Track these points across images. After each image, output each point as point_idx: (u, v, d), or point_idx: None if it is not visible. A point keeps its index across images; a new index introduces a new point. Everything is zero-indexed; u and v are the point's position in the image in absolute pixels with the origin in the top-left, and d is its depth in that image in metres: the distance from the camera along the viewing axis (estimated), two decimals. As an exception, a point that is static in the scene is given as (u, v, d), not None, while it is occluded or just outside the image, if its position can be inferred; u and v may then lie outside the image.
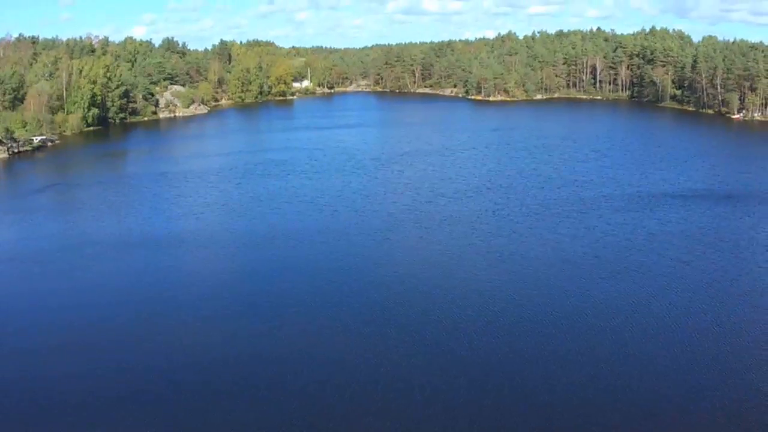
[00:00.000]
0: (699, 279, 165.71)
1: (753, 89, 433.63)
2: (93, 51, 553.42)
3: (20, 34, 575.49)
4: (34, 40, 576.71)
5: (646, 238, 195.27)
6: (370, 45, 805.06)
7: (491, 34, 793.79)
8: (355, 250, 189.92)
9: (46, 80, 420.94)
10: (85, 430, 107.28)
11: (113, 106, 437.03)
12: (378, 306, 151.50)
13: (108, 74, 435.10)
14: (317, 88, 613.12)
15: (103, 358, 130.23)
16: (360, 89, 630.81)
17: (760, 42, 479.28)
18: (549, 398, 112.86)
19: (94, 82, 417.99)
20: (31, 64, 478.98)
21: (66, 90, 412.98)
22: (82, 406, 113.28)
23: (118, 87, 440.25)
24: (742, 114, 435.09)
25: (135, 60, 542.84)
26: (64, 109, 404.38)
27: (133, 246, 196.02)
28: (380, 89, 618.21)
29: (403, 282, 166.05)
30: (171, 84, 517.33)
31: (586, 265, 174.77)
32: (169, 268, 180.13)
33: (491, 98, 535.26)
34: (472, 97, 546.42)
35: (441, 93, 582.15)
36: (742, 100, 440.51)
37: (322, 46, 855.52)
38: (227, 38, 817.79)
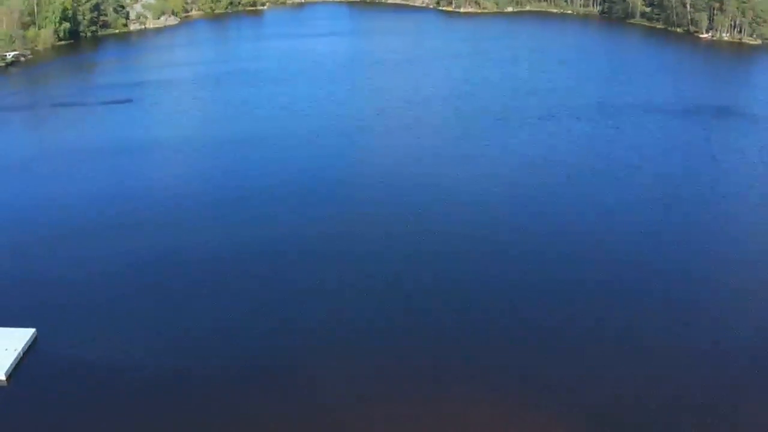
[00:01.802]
0: (646, 181, 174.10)
1: (722, 10, 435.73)
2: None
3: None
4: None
5: (602, 144, 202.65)
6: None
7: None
8: (326, 151, 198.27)
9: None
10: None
11: (84, 19, 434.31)
12: (348, 199, 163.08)
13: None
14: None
15: (99, 245, 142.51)
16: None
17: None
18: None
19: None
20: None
21: (37, 5, 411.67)
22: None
23: (88, 0, 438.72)
24: (710, 34, 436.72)
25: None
26: (35, 24, 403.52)
27: (112, 153, 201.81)
28: None
29: (367, 176, 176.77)
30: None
31: (543, 166, 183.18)
32: (150, 170, 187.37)
33: (462, 10, 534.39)
34: (443, 8, 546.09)
35: (412, 4, 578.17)
36: (711, 20, 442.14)
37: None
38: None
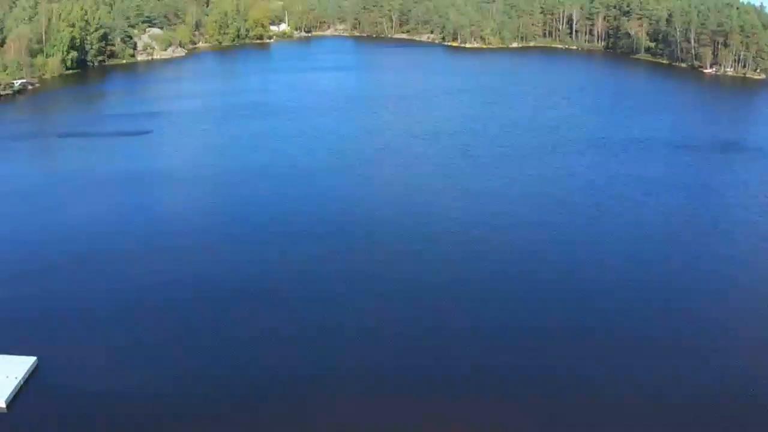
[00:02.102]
0: (651, 216, 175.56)
1: (726, 45, 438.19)
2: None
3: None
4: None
5: (606, 179, 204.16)
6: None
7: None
8: (326, 187, 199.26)
9: (26, 24, 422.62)
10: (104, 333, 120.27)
11: (92, 48, 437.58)
12: (352, 235, 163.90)
13: (86, 17, 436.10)
14: (295, 32, 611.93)
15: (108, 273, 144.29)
16: (337, 34, 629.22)
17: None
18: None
19: (73, 25, 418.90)
20: (10, 8, 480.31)
21: (45, 33, 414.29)
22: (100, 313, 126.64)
23: (96, 30, 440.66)
24: (714, 69, 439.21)
25: (113, 3, 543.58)
26: (43, 52, 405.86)
27: (115, 183, 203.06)
28: (357, 34, 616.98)
29: (369, 210, 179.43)
30: (149, 27, 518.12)
31: (548, 201, 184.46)
32: (154, 201, 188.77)
33: (467, 45, 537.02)
34: (449, 43, 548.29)
35: (418, 39, 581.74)
36: (715, 55, 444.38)
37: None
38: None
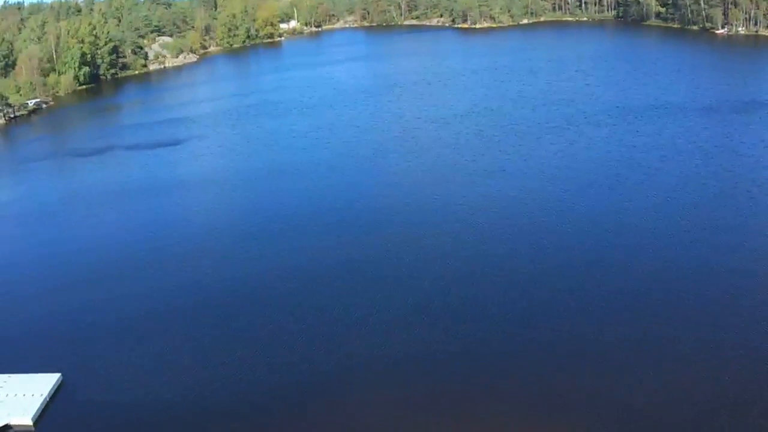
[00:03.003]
0: (667, 182, 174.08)
1: (736, 4, 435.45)
2: (79, 11, 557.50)
3: (5, 1, 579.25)
4: (19, 6, 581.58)
5: (622, 149, 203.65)
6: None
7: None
8: (347, 178, 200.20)
9: (36, 44, 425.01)
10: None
11: (103, 62, 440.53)
12: (376, 218, 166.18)
13: (95, 32, 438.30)
14: (305, 28, 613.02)
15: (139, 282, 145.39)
16: (347, 26, 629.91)
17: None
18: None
19: (83, 42, 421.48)
20: (20, 30, 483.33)
21: (55, 51, 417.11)
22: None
23: (106, 44, 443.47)
24: (726, 29, 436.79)
25: (121, 15, 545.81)
26: (55, 70, 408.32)
27: (135, 194, 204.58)
28: (367, 24, 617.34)
29: (393, 199, 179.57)
30: (159, 36, 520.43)
31: (564, 177, 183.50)
32: (180, 207, 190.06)
33: (477, 25, 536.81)
34: (459, 25, 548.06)
35: (428, 24, 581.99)
36: (726, 15, 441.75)
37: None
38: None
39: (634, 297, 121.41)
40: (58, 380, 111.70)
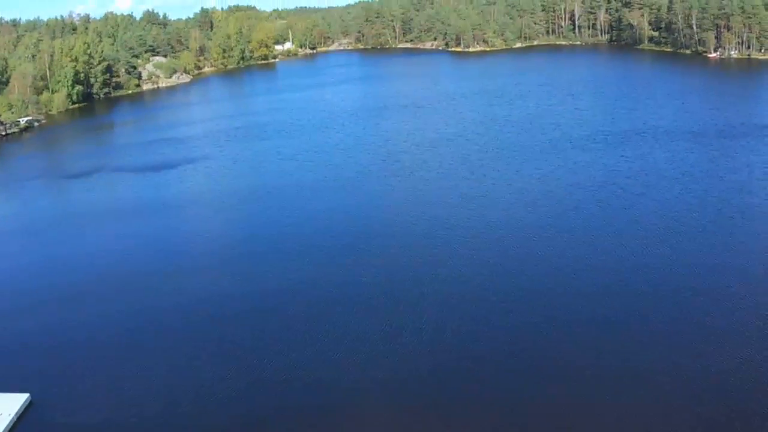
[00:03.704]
0: (649, 208, 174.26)
1: (728, 28, 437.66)
2: (74, 29, 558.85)
3: (0, 18, 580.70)
4: (15, 23, 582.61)
5: (606, 174, 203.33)
6: (353, 3, 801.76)
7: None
8: (331, 202, 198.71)
9: (29, 62, 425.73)
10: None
11: (96, 82, 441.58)
12: (352, 242, 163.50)
13: (89, 51, 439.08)
14: (299, 50, 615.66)
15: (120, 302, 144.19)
16: (342, 48, 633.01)
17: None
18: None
19: (76, 60, 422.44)
20: (15, 47, 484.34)
21: (49, 70, 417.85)
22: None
23: (100, 63, 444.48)
24: (718, 52, 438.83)
25: (116, 34, 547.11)
26: (48, 88, 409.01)
27: (123, 213, 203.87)
28: (362, 47, 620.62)
29: (370, 221, 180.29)
30: (153, 56, 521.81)
31: (546, 202, 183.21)
32: (161, 229, 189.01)
33: (470, 49, 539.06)
34: (452, 49, 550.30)
35: (422, 47, 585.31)
36: (718, 38, 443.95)
37: (305, 7, 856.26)
38: (209, 5, 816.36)
39: (607, 324, 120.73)
40: (26, 400, 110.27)
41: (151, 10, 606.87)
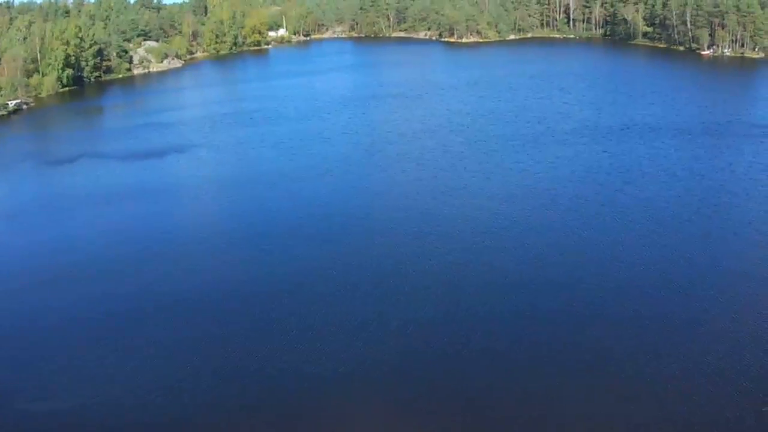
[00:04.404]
0: (626, 204, 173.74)
1: (723, 26, 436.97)
2: (68, 12, 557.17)
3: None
4: (9, 5, 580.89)
5: (587, 169, 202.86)
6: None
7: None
8: (308, 191, 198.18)
9: (20, 44, 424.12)
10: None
11: (87, 65, 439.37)
12: (325, 231, 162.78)
13: (80, 34, 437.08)
14: (293, 37, 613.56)
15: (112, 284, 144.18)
16: (336, 36, 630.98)
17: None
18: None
19: (67, 43, 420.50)
20: (8, 29, 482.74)
21: (40, 52, 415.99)
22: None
23: (91, 46, 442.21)
24: (712, 50, 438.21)
25: (109, 18, 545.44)
26: (39, 71, 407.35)
27: (97, 200, 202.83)
28: (356, 35, 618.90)
29: (346, 211, 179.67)
30: (145, 40, 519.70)
31: (524, 196, 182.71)
32: (140, 215, 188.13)
33: (464, 40, 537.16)
34: (446, 39, 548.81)
35: (415, 36, 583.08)
36: (712, 36, 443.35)
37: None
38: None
39: (576, 318, 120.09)
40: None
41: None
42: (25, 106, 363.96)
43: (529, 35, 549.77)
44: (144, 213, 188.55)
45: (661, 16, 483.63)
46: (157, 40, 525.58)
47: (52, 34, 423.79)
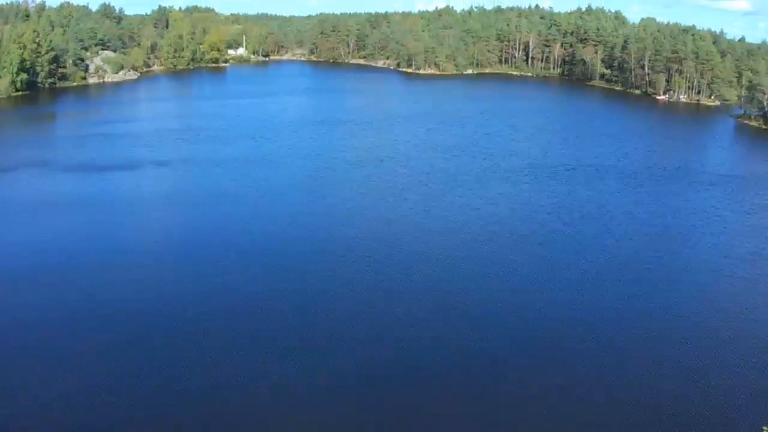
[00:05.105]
0: (563, 245, 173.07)
1: (680, 72, 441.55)
2: (28, 16, 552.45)
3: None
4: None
5: (528, 208, 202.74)
6: (315, 14, 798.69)
7: (432, 7, 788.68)
8: (241, 215, 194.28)
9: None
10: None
11: (42, 71, 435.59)
12: (244, 257, 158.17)
13: (38, 39, 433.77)
14: (252, 56, 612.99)
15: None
16: (295, 58, 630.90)
17: (693, 26, 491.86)
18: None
19: (24, 47, 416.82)
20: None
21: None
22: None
23: (48, 52, 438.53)
24: (667, 95, 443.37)
25: (69, 24, 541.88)
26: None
27: (49, 207, 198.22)
28: (315, 59, 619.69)
29: (272, 238, 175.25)
30: (103, 49, 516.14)
31: (462, 232, 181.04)
32: (61, 228, 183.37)
33: (421, 71, 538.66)
34: (403, 69, 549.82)
35: (374, 64, 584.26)
36: (669, 81, 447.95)
37: (266, 13, 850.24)
38: (167, 3, 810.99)
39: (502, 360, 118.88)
40: None
41: (107, 2, 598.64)
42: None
43: (487, 70, 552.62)
44: (77, 224, 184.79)
45: (620, 59, 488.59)
46: (114, 51, 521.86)
47: (10, 37, 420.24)
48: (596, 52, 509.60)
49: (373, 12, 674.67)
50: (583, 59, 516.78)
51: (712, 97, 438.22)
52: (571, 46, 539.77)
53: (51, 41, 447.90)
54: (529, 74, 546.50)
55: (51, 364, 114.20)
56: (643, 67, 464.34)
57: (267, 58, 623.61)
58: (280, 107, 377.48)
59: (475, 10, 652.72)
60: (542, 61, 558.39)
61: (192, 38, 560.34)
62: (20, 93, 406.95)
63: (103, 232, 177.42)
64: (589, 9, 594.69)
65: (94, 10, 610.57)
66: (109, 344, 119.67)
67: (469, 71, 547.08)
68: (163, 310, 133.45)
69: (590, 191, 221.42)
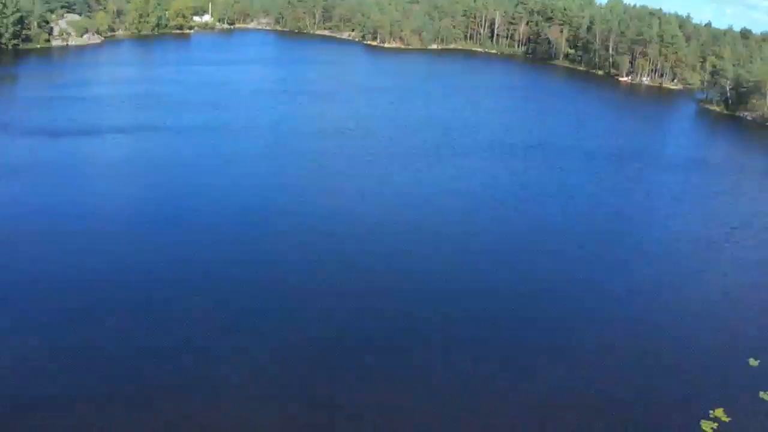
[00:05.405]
0: (517, 222, 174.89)
1: (644, 54, 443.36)
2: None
3: None
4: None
5: (483, 185, 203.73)
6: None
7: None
8: (193, 179, 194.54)
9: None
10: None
11: (7, 32, 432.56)
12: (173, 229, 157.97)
13: (3, 1, 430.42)
14: (217, 24, 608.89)
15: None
16: (261, 27, 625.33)
17: (660, 9, 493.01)
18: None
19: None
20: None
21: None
22: None
23: (13, 13, 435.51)
24: (630, 77, 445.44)
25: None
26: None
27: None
28: (280, 28, 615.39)
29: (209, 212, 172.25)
30: (68, 12, 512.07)
31: (415, 205, 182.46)
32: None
33: (386, 44, 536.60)
34: (368, 42, 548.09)
35: (339, 36, 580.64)
36: (632, 63, 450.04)
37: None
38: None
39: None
40: None
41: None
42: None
43: (452, 46, 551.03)
44: (28, 189, 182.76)
45: (585, 40, 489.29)
46: (80, 14, 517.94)
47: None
48: (561, 32, 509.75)
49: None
50: (548, 38, 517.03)
51: (675, 80, 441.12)
52: (537, 24, 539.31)
53: (17, 2, 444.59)
54: (493, 51, 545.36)
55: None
56: (607, 48, 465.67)
57: (232, 26, 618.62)
58: (242, 76, 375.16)
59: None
60: (507, 39, 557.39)
61: (158, 4, 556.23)
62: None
63: (54, 199, 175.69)
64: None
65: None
66: (51, 313, 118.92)
67: (434, 46, 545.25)
68: (114, 279, 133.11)
69: (548, 170, 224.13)
